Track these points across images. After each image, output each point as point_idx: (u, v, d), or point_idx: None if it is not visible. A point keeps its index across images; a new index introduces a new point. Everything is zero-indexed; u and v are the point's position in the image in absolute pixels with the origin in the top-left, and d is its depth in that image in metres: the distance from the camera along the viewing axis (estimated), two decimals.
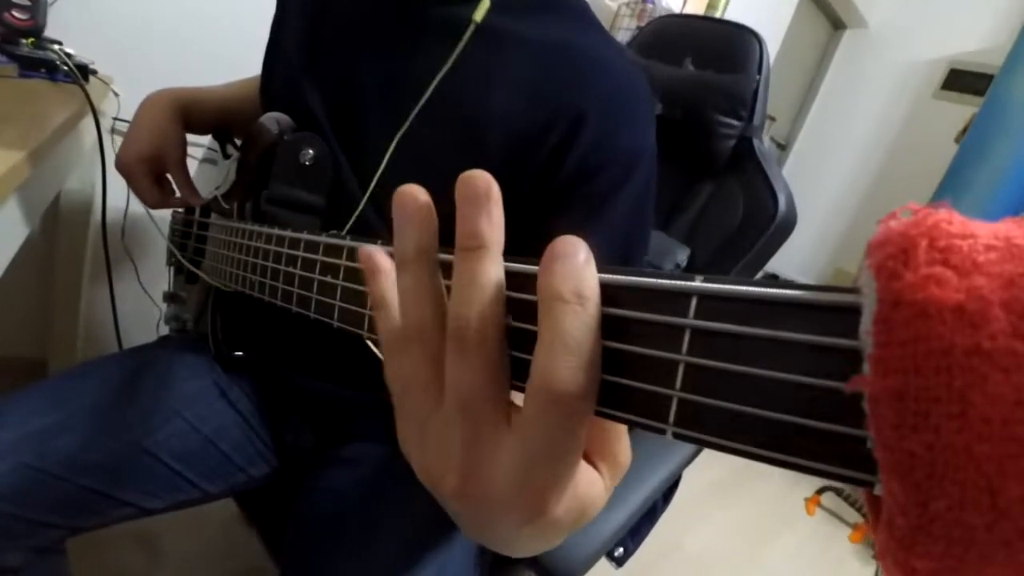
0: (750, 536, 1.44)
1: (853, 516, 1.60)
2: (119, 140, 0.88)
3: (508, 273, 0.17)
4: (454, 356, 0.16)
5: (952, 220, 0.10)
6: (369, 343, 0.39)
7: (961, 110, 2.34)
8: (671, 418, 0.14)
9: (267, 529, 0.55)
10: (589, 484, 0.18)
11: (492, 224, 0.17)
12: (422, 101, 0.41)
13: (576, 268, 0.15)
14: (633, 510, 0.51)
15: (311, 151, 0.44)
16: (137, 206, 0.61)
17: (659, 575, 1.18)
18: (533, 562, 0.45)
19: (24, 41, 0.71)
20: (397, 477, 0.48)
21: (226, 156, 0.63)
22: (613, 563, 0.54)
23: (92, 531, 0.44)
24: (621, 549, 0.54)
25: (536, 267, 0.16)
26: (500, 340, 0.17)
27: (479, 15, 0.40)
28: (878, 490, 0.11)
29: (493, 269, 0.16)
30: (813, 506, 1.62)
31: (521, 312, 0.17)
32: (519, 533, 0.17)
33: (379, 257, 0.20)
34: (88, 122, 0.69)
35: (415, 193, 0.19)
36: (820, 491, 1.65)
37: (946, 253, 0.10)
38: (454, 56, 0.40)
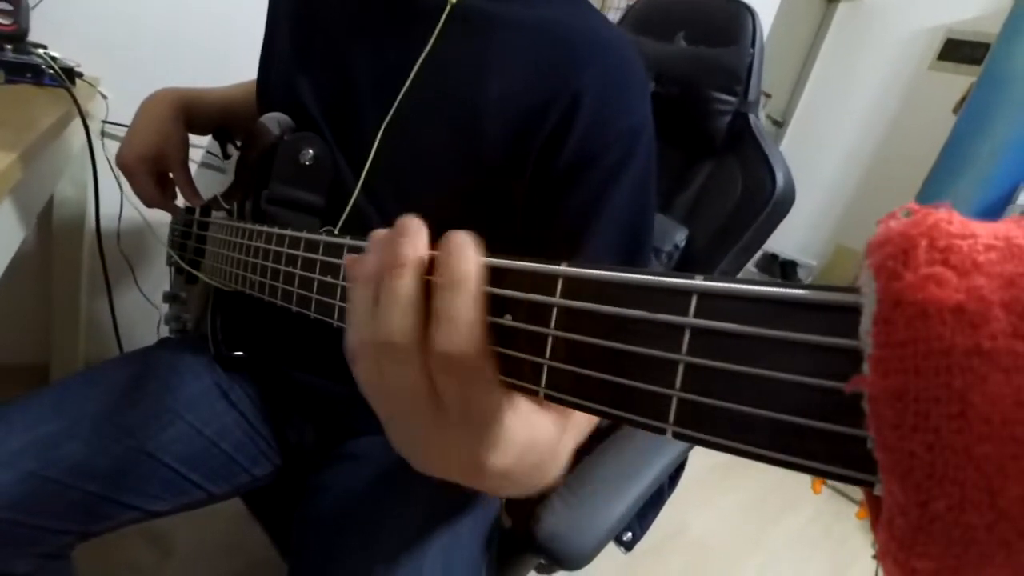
0: (755, 515, 1.46)
1: (859, 493, 1.60)
2: (110, 143, 0.87)
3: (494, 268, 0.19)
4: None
5: (952, 220, 0.10)
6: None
7: (959, 80, 2.30)
8: (671, 418, 0.14)
9: (273, 527, 0.56)
10: (530, 428, 0.20)
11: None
12: (405, 87, 0.41)
13: (455, 259, 0.18)
14: (639, 495, 0.51)
15: (311, 151, 0.43)
16: (131, 210, 0.61)
17: (664, 557, 1.20)
18: (542, 551, 0.46)
19: (8, 46, 0.70)
20: (400, 470, 0.48)
21: (226, 156, 0.62)
22: (622, 547, 0.55)
23: (99, 536, 0.44)
24: (629, 534, 0.54)
25: (513, 263, 0.19)
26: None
27: None
28: (878, 490, 0.11)
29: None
30: (820, 484, 1.64)
31: (500, 308, 0.19)
32: (471, 484, 0.21)
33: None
34: (77, 125, 0.68)
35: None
36: None
37: (946, 253, 0.10)
38: (431, 41, 0.40)
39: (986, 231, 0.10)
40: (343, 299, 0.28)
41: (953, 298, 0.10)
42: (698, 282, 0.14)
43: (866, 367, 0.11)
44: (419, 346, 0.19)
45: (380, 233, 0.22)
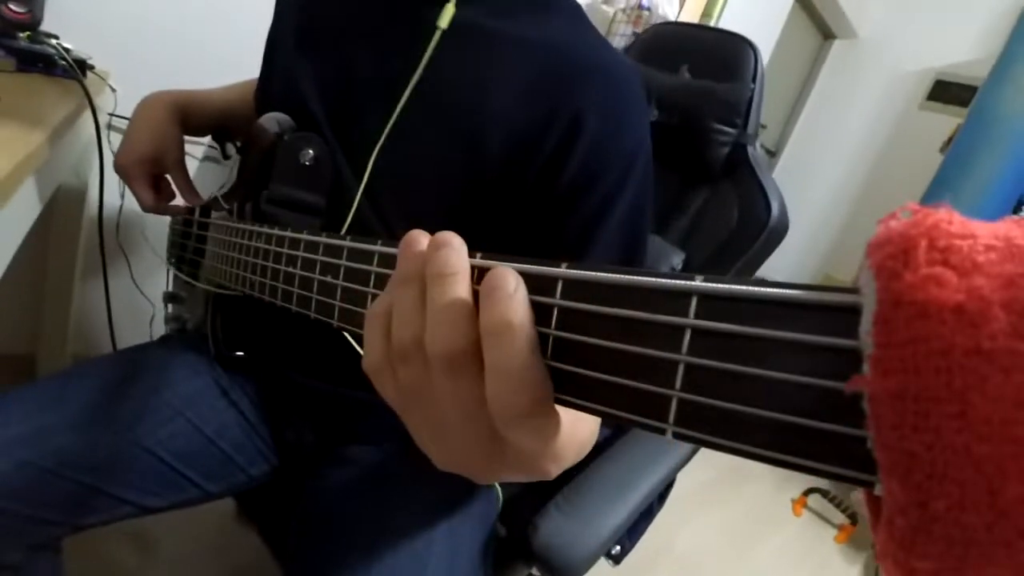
0: (737, 537, 1.46)
1: (839, 517, 1.62)
2: (116, 136, 0.87)
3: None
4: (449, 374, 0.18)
5: (952, 220, 0.10)
6: (355, 344, 0.39)
7: (946, 120, 2.39)
8: (671, 418, 0.14)
9: (267, 528, 0.55)
10: (585, 431, 0.21)
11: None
12: (403, 99, 0.41)
13: (503, 300, 0.17)
14: (632, 510, 0.52)
15: (311, 151, 0.44)
16: (133, 205, 0.61)
17: (649, 574, 1.18)
18: (538, 560, 0.46)
19: (21, 35, 0.70)
20: (401, 476, 0.48)
21: (226, 157, 0.63)
22: (610, 561, 0.54)
23: (91, 529, 0.44)
24: (618, 547, 0.54)
25: (513, 264, 0.18)
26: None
27: (444, 21, 0.41)
28: (878, 490, 0.11)
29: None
30: (800, 507, 1.64)
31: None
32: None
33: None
34: (84, 117, 0.68)
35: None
36: (807, 492, 1.67)
37: (946, 253, 0.10)
38: (426, 58, 0.41)
39: (986, 231, 0.10)
40: (343, 300, 0.27)
41: (953, 298, 0.10)
42: (698, 283, 0.14)
43: (866, 367, 0.11)
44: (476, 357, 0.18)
45: (416, 236, 0.20)
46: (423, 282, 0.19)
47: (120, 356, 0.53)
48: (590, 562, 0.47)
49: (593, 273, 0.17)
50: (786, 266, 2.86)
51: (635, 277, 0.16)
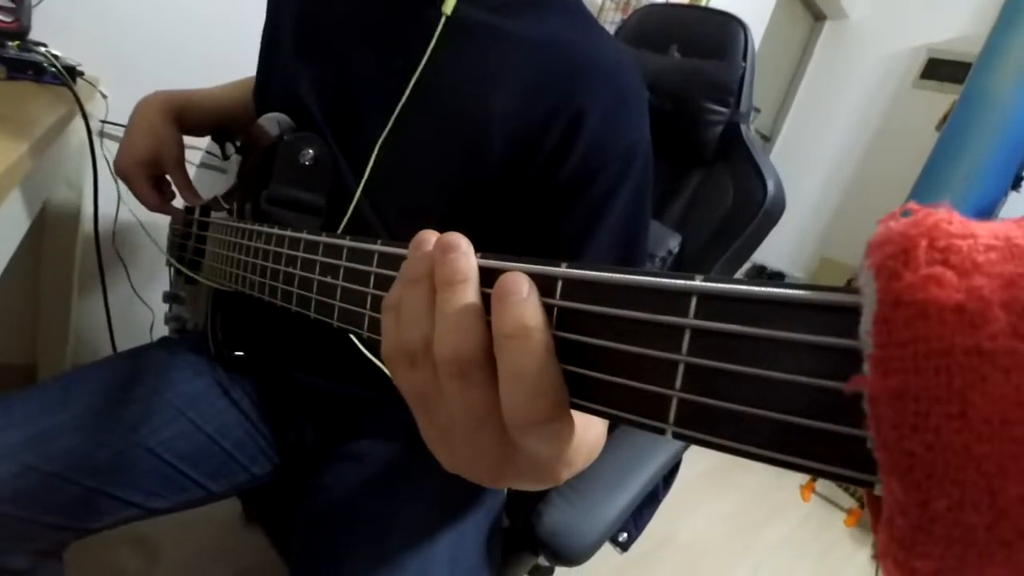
0: (743, 524, 1.46)
1: (848, 501, 1.64)
2: (108, 143, 0.87)
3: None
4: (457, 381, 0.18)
5: (952, 220, 0.10)
6: (358, 343, 0.39)
7: (941, 98, 2.37)
8: (671, 418, 0.14)
9: (273, 527, 0.56)
10: (595, 435, 0.21)
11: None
12: (404, 97, 0.41)
13: (517, 304, 0.17)
14: (636, 494, 0.52)
15: (311, 151, 0.43)
16: (127, 212, 0.61)
17: (655, 564, 1.19)
18: (543, 547, 0.46)
19: (10, 43, 0.70)
20: (404, 471, 0.48)
21: (226, 157, 0.62)
22: (618, 548, 0.55)
23: (96, 533, 0.44)
24: (625, 534, 0.54)
25: (513, 264, 0.18)
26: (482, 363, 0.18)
27: (448, 7, 0.41)
28: (878, 490, 0.11)
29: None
30: (809, 492, 1.66)
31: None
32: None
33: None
34: (74, 125, 0.68)
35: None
36: (815, 477, 1.68)
37: (946, 253, 0.10)
38: (428, 52, 0.41)
39: (986, 231, 0.10)
40: (342, 300, 0.27)
41: (953, 298, 0.10)
42: (698, 283, 0.14)
43: (866, 367, 0.11)
44: (487, 361, 0.17)
45: (426, 236, 0.20)
46: (431, 283, 0.19)
47: (121, 358, 0.53)
48: (595, 547, 0.47)
49: (593, 273, 0.17)
50: (784, 249, 2.86)
51: (635, 277, 0.16)
